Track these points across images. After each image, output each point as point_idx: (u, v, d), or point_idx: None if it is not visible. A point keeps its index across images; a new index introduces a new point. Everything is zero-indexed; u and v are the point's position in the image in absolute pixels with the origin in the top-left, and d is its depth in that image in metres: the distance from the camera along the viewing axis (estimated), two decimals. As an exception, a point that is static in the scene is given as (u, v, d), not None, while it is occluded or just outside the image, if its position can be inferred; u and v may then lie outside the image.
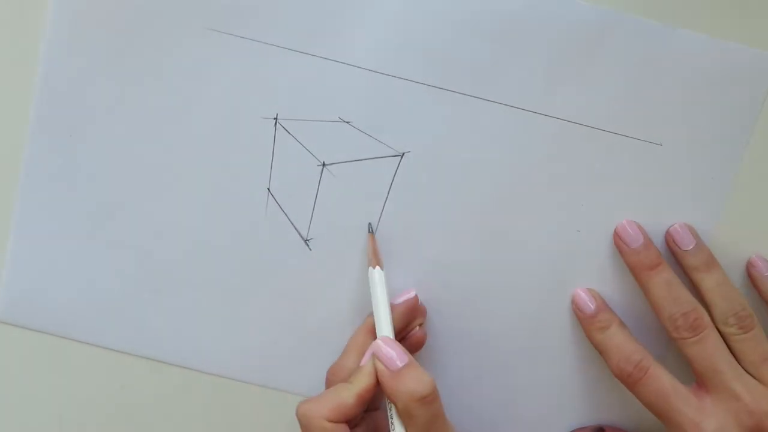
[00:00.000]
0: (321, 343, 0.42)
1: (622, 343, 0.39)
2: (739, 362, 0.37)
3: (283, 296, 0.42)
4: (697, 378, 0.38)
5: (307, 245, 0.41)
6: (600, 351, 0.40)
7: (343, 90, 0.39)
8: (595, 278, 0.41)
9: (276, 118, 0.40)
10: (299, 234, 0.41)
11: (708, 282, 0.38)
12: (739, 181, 0.40)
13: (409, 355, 0.35)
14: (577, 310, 0.40)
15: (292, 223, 0.41)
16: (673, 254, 0.40)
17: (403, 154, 0.40)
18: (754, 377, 0.37)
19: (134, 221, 0.41)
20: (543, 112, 0.40)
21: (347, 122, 0.40)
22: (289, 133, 0.40)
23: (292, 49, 0.39)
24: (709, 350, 0.37)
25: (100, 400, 0.43)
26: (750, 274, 0.40)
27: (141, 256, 0.41)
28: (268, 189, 0.41)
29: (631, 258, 0.39)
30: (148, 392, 0.43)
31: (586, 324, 0.40)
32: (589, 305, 0.40)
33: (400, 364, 0.34)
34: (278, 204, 0.41)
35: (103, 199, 0.41)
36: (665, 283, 0.38)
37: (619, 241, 0.40)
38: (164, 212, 0.41)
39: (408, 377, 0.34)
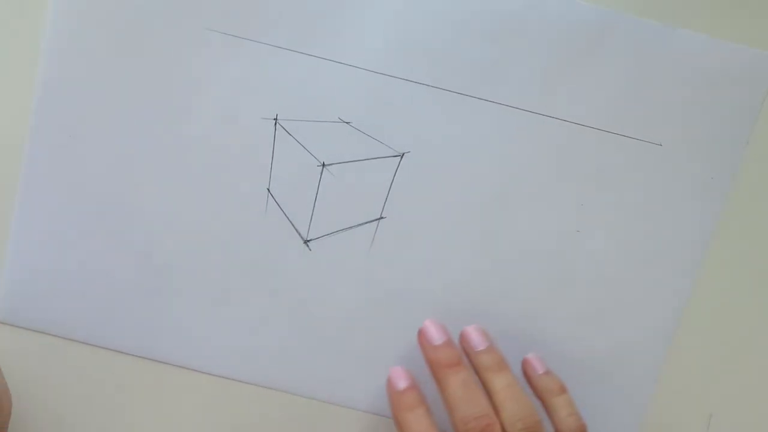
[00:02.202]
0: (320, 344, 0.42)
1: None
2: None
3: (282, 296, 0.42)
4: None
5: (307, 246, 0.41)
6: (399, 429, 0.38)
7: (343, 90, 0.39)
8: (594, 279, 0.41)
9: (276, 119, 0.40)
10: (299, 234, 0.41)
11: (497, 383, 0.38)
12: (739, 181, 0.40)
13: None
14: (389, 384, 0.39)
15: (292, 224, 0.41)
16: (467, 354, 0.39)
17: (403, 154, 0.40)
18: None
19: (134, 221, 0.41)
20: (542, 113, 0.40)
21: (347, 122, 0.40)
22: (289, 133, 0.40)
23: (292, 50, 0.39)
24: None
25: (100, 400, 0.43)
26: (524, 373, 0.40)
27: (141, 256, 0.41)
28: (268, 189, 0.41)
29: (430, 354, 0.39)
30: (147, 392, 0.43)
31: (394, 400, 0.39)
32: (401, 382, 0.39)
33: None
34: (278, 204, 0.41)
35: (102, 199, 0.41)
36: (462, 382, 0.37)
37: (422, 339, 0.39)
38: (164, 212, 0.41)
39: None
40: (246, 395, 0.43)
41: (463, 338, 0.40)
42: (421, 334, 0.40)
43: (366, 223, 0.41)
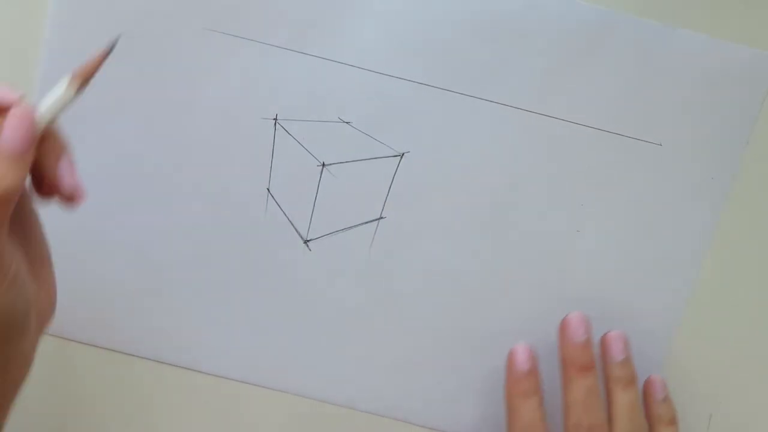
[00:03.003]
0: (320, 344, 0.42)
1: (532, 423, 0.38)
2: None
3: (282, 296, 0.42)
4: None
5: (307, 246, 0.41)
6: (509, 412, 0.39)
7: (342, 90, 0.39)
8: (594, 278, 0.41)
9: (276, 119, 0.40)
10: (299, 234, 0.41)
11: (622, 398, 0.38)
12: (739, 181, 0.40)
13: None
14: (510, 363, 0.40)
15: (292, 224, 0.41)
16: (603, 359, 0.40)
17: (403, 154, 0.40)
18: None
19: (133, 221, 0.41)
20: (542, 112, 0.40)
21: (347, 122, 0.40)
22: (288, 133, 0.40)
23: (291, 50, 0.39)
24: None
25: (100, 400, 0.43)
26: (644, 392, 0.40)
27: (141, 256, 0.41)
28: (268, 189, 0.41)
29: (568, 351, 0.39)
30: (148, 392, 0.43)
31: (511, 381, 0.39)
32: (523, 365, 0.39)
33: None
34: (278, 204, 0.41)
35: (102, 199, 0.41)
36: (587, 389, 0.38)
37: (563, 330, 0.39)
38: (164, 213, 0.41)
39: None
40: (245, 395, 0.43)
41: (604, 343, 0.40)
42: (565, 326, 0.39)
43: (366, 223, 0.41)
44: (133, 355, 0.42)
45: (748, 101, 0.40)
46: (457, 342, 0.42)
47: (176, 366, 0.42)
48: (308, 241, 0.41)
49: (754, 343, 0.43)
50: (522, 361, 0.39)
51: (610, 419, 0.38)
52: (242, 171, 0.40)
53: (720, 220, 0.41)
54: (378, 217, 0.41)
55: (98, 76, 0.34)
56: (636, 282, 0.41)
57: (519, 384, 0.39)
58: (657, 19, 0.39)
